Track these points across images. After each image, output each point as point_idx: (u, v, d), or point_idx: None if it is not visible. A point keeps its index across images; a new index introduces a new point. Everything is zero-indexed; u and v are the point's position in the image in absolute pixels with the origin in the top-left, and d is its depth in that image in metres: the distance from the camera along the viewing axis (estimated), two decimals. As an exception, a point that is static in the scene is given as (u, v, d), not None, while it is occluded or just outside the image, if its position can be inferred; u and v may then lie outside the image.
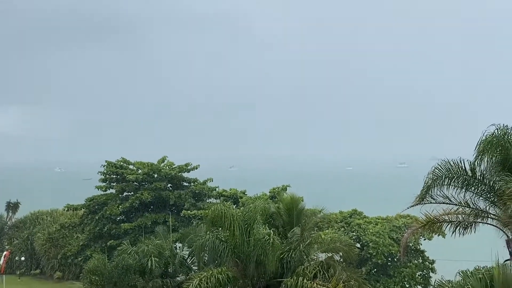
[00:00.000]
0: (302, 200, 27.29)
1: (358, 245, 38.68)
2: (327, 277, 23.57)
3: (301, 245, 24.72)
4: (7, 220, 73.75)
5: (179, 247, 37.68)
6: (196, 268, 32.88)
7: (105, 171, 55.58)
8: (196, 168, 56.97)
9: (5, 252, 60.99)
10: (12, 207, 74.71)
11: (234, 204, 48.27)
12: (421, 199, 22.11)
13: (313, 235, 26.93)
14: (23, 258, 63.29)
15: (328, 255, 26.24)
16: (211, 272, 23.84)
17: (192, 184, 56.58)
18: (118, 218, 54.16)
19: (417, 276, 39.83)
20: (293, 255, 24.41)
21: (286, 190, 46.15)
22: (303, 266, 24.02)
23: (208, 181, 56.62)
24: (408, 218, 39.15)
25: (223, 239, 24.93)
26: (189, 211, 50.50)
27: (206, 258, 29.27)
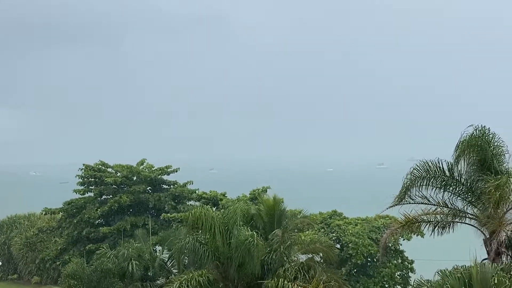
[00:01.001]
0: (283, 202, 27.31)
1: (338, 246, 38.89)
2: (307, 278, 23.64)
3: (282, 246, 24.74)
4: (-17, 225, 72.47)
5: (159, 250, 37.41)
6: (176, 271, 32.70)
7: (83, 174, 55.01)
8: (176, 171, 56.71)
9: (-19, 258, 60.03)
10: (-12, 211, 73.46)
11: (214, 207, 48.14)
12: (400, 199, 22.34)
13: (294, 236, 26.96)
14: (0, 263, 62.35)
15: (309, 256, 26.30)
16: (191, 275, 23.75)
17: (172, 186, 56.29)
18: (96, 222, 53.61)
19: (396, 276, 40.22)
20: (273, 256, 24.42)
21: (266, 192, 46.13)
22: (283, 268, 24.05)
23: (188, 184, 56.39)
24: (387, 218, 39.48)
25: (203, 241, 24.83)
26: (169, 214, 50.21)
27: (186, 261, 29.16)
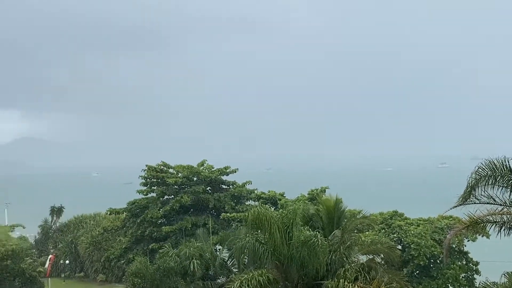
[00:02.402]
0: (342, 202, 27.11)
1: (400, 247, 38.17)
2: (368, 279, 23.33)
3: (342, 247, 24.56)
4: (52, 224, 75.62)
5: (219, 249, 37.90)
6: (236, 270, 33.04)
7: (146, 175, 56.31)
8: (235, 172, 57.22)
9: (50, 256, 62.61)
10: (56, 211, 76.54)
11: (273, 206, 48.34)
12: (465, 199, 21.68)
13: (354, 237, 26.69)
14: (67, 262, 64.71)
15: (369, 257, 25.98)
16: (251, 274, 23.89)
17: (231, 187, 56.87)
18: (159, 221, 54.74)
19: (461, 278, 39.03)
20: (333, 257, 24.27)
21: (325, 192, 45.91)
22: (344, 269, 23.83)
23: (247, 184, 56.82)
24: (451, 219, 38.48)
25: (262, 241, 24.96)
26: (228, 214, 50.77)
27: (246, 261, 29.39)
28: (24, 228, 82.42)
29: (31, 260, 55.65)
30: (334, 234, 24.92)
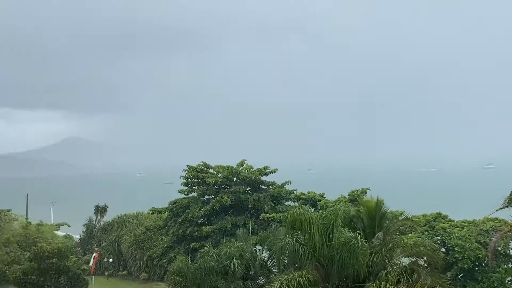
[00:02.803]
0: (383, 203, 26.74)
1: (443, 250, 37.40)
2: (410, 282, 22.96)
3: (384, 249, 24.23)
4: (96, 223, 77.26)
5: (259, 249, 37.97)
6: (276, 270, 33.02)
7: (186, 175, 56.94)
8: (275, 172, 57.18)
9: (94, 254, 63.91)
10: (101, 210, 78.18)
11: (312, 207, 48.07)
12: (511, 201, 21.13)
13: (396, 239, 26.30)
14: (111, 260, 65.97)
15: (412, 259, 25.55)
16: (291, 275, 23.86)
17: (270, 187, 56.88)
18: (200, 221, 55.25)
19: (507, 281, 37.92)
20: (375, 259, 23.99)
21: (365, 193, 45.37)
22: (385, 271, 23.53)
23: (286, 184, 56.72)
24: (497, 221, 37.42)
25: (302, 242, 24.89)
26: (268, 214, 50.80)
27: (286, 261, 29.34)
28: (69, 226, 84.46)
29: (76, 258, 56.96)
30: (377, 236, 24.61)
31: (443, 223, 39.76)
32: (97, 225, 76.80)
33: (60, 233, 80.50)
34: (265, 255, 36.23)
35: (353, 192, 47.64)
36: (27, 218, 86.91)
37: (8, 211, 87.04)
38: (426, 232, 39.24)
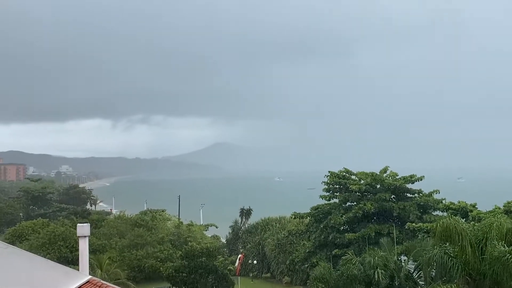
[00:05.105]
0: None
1: None
2: None
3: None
4: (241, 225, 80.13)
5: (404, 260, 36.65)
6: (423, 283, 31.67)
7: (328, 181, 56.86)
8: (421, 179, 54.97)
9: (239, 255, 66.32)
10: (245, 213, 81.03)
11: (462, 218, 45.35)
12: None
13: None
14: (255, 262, 67.86)
15: None
16: (440, 288, 22.77)
17: (416, 195, 54.76)
18: (342, 228, 54.81)
19: None
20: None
21: (523, 205, 41.81)
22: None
23: (434, 193, 54.21)
24: None
25: (452, 254, 23.64)
26: (414, 224, 48.90)
27: (433, 274, 28.04)
28: (217, 227, 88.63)
29: (223, 259, 59.63)
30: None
31: None
32: (242, 227, 79.53)
33: (209, 233, 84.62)
34: (411, 266, 34.91)
35: (509, 203, 44.20)
36: (179, 218, 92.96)
37: (163, 211, 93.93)
38: None
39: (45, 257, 30.37)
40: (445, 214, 47.76)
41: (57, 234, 60.23)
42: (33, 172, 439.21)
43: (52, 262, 21.71)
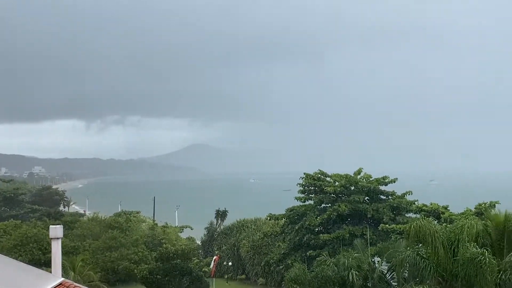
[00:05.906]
0: (514, 218, 24.95)
1: None
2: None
3: (514, 267, 22.62)
4: (217, 227, 79.98)
5: (378, 261, 37.04)
6: (396, 284, 32.04)
7: (303, 183, 57.10)
8: (394, 182, 55.63)
9: (214, 257, 66.20)
10: (221, 215, 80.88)
11: (435, 220, 46.05)
12: None
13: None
14: (230, 263, 67.84)
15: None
16: (412, 289, 23.09)
17: (389, 197, 55.37)
18: (316, 229, 55.09)
19: None
20: (503, 277, 22.48)
21: (494, 207, 42.65)
22: (516, 291, 21.97)
23: (407, 194, 54.89)
24: None
25: (424, 255, 23.99)
26: (387, 225, 49.45)
27: (406, 275, 28.40)
28: (192, 229, 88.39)
29: (198, 260, 59.51)
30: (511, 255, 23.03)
31: None
32: (218, 229, 79.38)
33: (184, 235, 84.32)
34: (384, 267, 35.29)
35: (480, 205, 45.07)
36: (154, 220, 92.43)
37: (138, 212, 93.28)
38: None
39: (17, 259, 29.95)
40: (418, 215, 48.43)
41: (29, 236, 59.33)
42: (5, 173, 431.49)
43: (24, 264, 21.43)
